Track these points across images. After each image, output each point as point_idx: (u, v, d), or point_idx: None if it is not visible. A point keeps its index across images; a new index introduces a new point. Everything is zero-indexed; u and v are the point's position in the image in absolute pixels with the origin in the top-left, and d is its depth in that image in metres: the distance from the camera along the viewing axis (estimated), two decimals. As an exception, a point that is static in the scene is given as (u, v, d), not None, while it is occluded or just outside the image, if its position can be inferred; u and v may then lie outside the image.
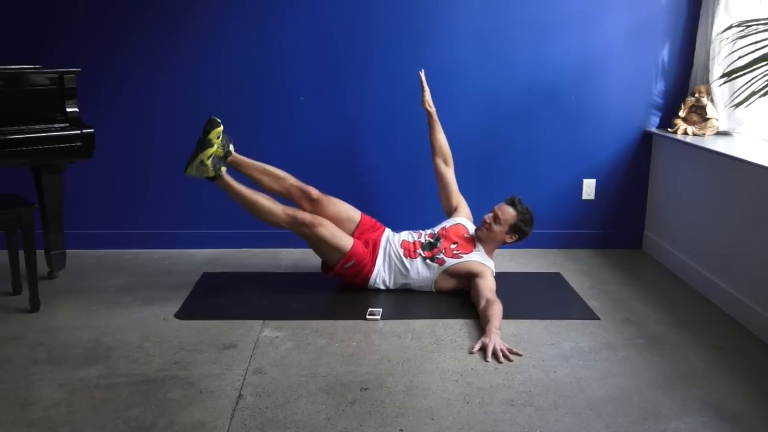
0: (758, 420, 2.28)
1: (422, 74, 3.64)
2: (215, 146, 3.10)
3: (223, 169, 3.14)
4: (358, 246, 3.28)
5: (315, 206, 3.34)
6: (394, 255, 3.32)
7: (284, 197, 3.37)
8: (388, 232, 3.43)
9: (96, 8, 3.73)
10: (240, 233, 4.00)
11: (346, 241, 3.25)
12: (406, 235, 3.40)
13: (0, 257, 3.46)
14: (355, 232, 3.36)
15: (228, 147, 3.27)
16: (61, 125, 3.31)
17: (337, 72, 3.86)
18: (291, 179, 3.38)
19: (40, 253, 3.15)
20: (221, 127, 3.18)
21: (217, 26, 3.79)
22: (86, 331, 2.89)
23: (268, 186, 3.36)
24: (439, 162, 3.61)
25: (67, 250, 3.55)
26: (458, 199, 3.60)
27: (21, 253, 3.11)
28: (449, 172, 3.61)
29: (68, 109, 3.32)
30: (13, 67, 3.30)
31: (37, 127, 3.25)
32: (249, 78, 3.85)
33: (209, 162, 3.09)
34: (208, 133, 3.15)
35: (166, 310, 3.10)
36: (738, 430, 2.22)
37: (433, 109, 3.63)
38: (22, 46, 3.72)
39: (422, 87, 3.63)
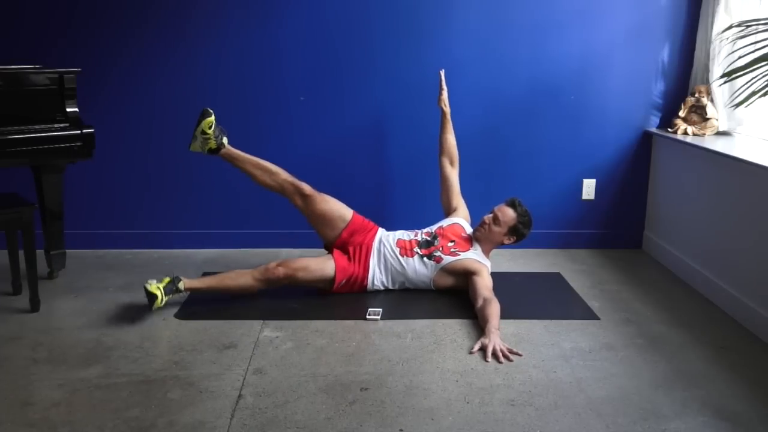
0: (758, 420, 2.28)
1: (442, 74, 3.69)
2: (156, 291, 2.98)
3: (181, 284, 3.06)
4: (342, 264, 3.25)
5: (307, 202, 3.34)
6: (390, 255, 3.31)
7: (277, 192, 3.37)
8: (381, 232, 3.41)
9: (96, 8, 3.73)
10: (240, 233, 4.00)
11: (328, 269, 3.23)
12: (402, 234, 3.39)
13: (0, 257, 3.46)
14: (344, 232, 3.35)
15: (221, 139, 3.28)
16: (61, 125, 3.31)
17: (336, 72, 3.86)
18: (284, 174, 3.36)
19: (40, 253, 3.15)
20: (212, 117, 3.21)
21: (216, 26, 3.79)
22: (86, 331, 2.89)
23: (261, 180, 3.35)
24: (445, 162, 3.62)
25: (67, 250, 3.55)
26: (459, 200, 3.60)
27: (21, 253, 3.11)
28: (453, 174, 3.62)
29: (68, 109, 3.32)
30: (13, 67, 3.30)
31: (37, 127, 3.25)
32: (249, 78, 3.85)
33: (161, 295, 2.99)
34: (199, 123, 3.20)
35: (166, 310, 3.09)
36: (738, 430, 2.22)
37: (447, 109, 3.65)
38: (22, 46, 3.71)
39: (440, 86, 3.67)
